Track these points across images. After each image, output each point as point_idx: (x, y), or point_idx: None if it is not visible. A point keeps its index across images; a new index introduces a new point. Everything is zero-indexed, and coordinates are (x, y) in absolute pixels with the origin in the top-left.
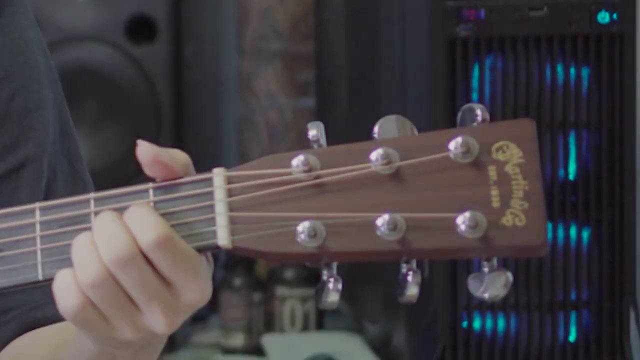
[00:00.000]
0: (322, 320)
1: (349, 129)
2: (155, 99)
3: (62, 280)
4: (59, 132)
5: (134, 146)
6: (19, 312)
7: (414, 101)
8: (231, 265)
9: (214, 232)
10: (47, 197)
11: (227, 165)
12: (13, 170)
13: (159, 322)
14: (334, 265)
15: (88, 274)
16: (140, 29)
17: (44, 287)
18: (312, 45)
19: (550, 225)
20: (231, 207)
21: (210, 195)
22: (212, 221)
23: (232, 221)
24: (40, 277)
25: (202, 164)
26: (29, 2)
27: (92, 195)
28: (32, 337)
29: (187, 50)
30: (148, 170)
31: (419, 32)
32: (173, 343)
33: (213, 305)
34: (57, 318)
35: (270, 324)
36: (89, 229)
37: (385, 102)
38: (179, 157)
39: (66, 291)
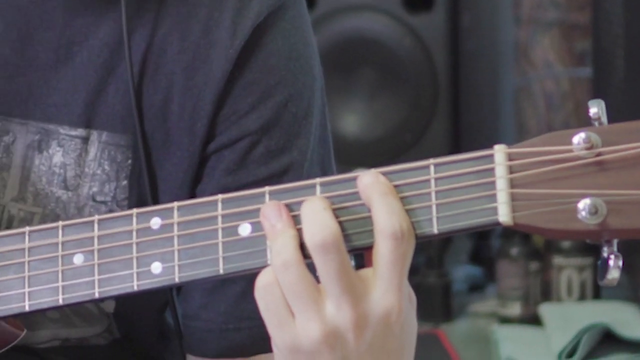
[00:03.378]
0: (599, 289)
1: (626, 99)
2: (432, 68)
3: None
4: (318, 140)
5: (410, 116)
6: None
7: None
8: (508, 234)
9: (495, 209)
10: None
11: (504, 135)
12: (275, 176)
13: (346, 317)
14: (615, 242)
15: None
16: None
17: None
18: (589, 14)
19: None
20: (512, 184)
21: (491, 172)
22: (492, 198)
23: (513, 198)
24: None
25: (479, 133)
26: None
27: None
28: None
29: (464, 19)
30: None
31: None
32: (450, 312)
33: (490, 275)
34: None
35: (547, 293)
36: None
37: None
38: None
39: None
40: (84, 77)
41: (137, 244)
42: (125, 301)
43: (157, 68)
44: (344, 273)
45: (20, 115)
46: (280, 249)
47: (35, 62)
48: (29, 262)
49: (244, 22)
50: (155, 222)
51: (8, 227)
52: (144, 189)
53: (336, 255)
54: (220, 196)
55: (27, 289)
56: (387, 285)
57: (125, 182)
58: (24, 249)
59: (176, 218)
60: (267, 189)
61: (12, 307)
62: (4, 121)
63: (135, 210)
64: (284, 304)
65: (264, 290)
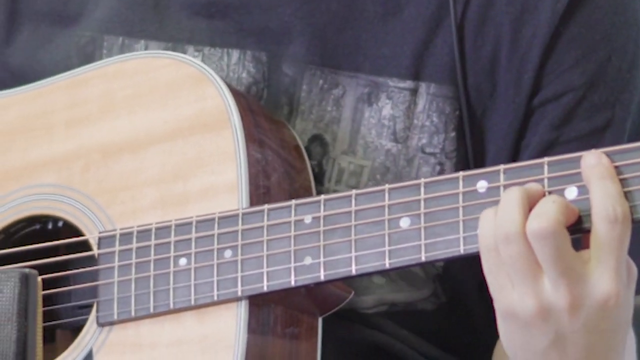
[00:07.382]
0: None
1: None
2: None
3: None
4: None
5: None
6: None
7: None
8: None
9: None
10: None
11: None
12: (596, 130)
13: (562, 297)
14: None
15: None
16: None
17: None
18: None
19: None
20: None
21: None
22: None
23: None
24: None
25: None
26: None
27: None
28: None
29: None
30: None
31: None
32: None
33: None
34: None
35: None
36: None
37: None
38: None
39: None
40: (412, 29)
41: (464, 207)
42: (453, 263)
43: (484, 20)
44: (560, 257)
45: (349, 68)
46: (503, 222)
47: (363, 15)
48: (355, 225)
49: None
50: (482, 186)
51: (338, 180)
52: (472, 141)
53: (552, 241)
54: (546, 159)
55: (353, 253)
56: (603, 268)
57: (453, 134)
58: (350, 212)
59: (502, 181)
60: (598, 150)
61: (339, 272)
62: (333, 74)
63: (461, 173)
64: (504, 272)
65: (487, 254)
